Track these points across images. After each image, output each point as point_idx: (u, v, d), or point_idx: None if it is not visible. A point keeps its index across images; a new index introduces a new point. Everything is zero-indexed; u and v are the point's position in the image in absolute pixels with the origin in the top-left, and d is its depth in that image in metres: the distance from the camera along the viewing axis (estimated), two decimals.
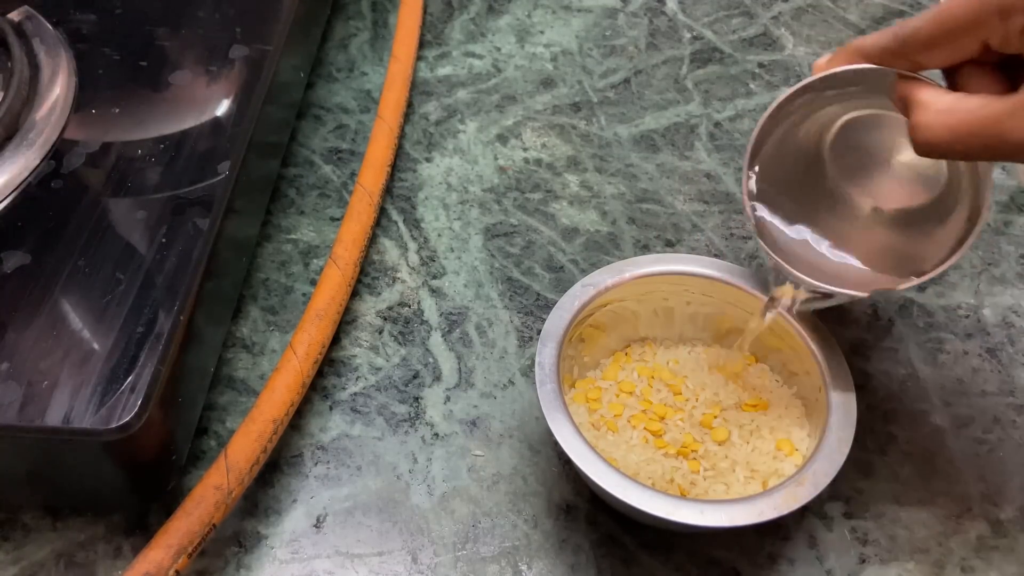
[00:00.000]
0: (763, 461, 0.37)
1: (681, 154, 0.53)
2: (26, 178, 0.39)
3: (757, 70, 0.57)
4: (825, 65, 0.33)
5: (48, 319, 0.34)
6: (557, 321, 0.38)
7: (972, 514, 0.39)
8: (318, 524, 0.39)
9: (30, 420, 0.32)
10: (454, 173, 0.52)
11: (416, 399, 0.43)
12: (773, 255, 0.36)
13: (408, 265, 0.48)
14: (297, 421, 0.42)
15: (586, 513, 0.39)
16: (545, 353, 0.37)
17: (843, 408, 0.36)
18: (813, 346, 0.37)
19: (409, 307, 0.46)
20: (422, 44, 0.59)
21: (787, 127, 0.36)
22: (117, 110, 0.42)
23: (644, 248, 0.48)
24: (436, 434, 0.41)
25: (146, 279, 0.35)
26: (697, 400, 0.39)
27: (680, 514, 0.32)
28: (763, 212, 0.37)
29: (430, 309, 0.46)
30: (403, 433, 0.42)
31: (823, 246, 0.37)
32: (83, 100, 0.42)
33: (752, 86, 0.56)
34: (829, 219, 0.38)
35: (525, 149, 0.53)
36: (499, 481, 0.40)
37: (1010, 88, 0.28)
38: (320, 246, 0.48)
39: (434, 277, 0.47)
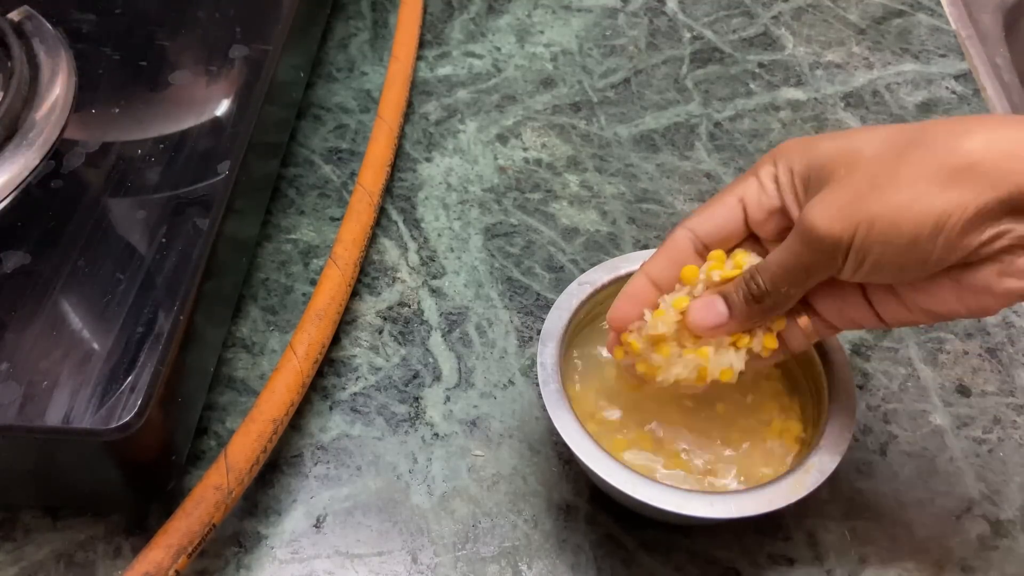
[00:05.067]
0: (762, 458, 0.37)
1: (681, 154, 0.53)
2: (26, 178, 0.39)
3: (757, 70, 0.57)
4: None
5: (48, 319, 0.34)
6: (556, 321, 0.38)
7: (972, 514, 0.39)
8: (318, 524, 0.39)
9: (30, 420, 0.32)
10: (454, 173, 0.52)
11: (416, 399, 0.43)
12: None
13: (408, 265, 0.48)
14: (297, 421, 0.42)
15: (586, 513, 0.39)
16: (546, 353, 0.37)
17: (843, 398, 0.36)
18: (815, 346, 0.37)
19: (409, 307, 0.46)
20: (422, 44, 0.59)
21: None
22: (117, 110, 0.42)
23: (644, 248, 0.48)
24: (436, 434, 0.41)
25: (146, 279, 0.35)
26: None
27: (691, 507, 0.33)
28: None
29: (430, 309, 0.46)
30: (403, 433, 0.42)
31: None
32: (83, 100, 0.42)
33: (752, 86, 0.56)
34: None
35: (525, 149, 0.53)
36: (499, 481, 0.40)
37: None
38: (320, 246, 0.48)
39: (434, 277, 0.47)
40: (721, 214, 0.32)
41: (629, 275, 0.40)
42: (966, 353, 0.44)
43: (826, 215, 0.28)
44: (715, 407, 0.38)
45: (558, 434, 0.35)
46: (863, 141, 0.29)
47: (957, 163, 0.26)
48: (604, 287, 0.40)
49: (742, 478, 0.36)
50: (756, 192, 0.31)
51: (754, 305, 0.32)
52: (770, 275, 0.31)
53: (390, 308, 0.46)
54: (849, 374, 0.37)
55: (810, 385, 0.38)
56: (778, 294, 0.31)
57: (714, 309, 0.32)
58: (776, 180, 0.31)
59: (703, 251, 0.33)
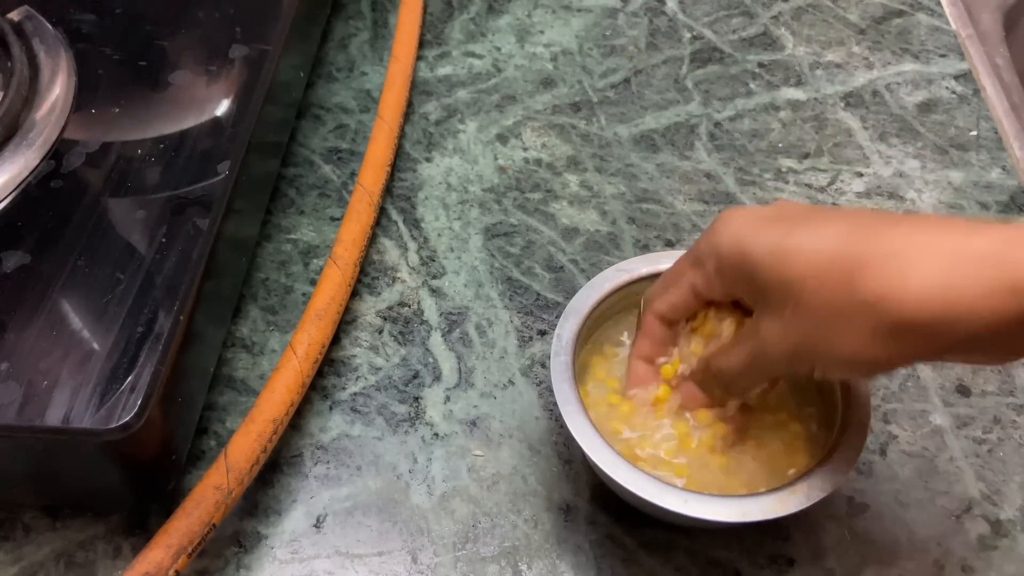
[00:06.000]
0: (773, 456, 0.37)
1: (681, 154, 0.53)
2: (26, 178, 0.39)
3: (757, 70, 0.57)
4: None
5: (48, 319, 0.34)
6: (584, 298, 0.38)
7: (972, 514, 0.39)
8: (318, 524, 0.39)
9: (30, 420, 0.32)
10: (454, 173, 0.52)
11: (416, 399, 0.43)
12: None
13: (408, 265, 0.48)
14: (297, 421, 0.42)
15: (586, 513, 0.39)
16: (566, 327, 0.37)
17: (858, 408, 0.36)
18: None
19: (409, 307, 0.46)
20: (422, 44, 0.59)
21: None
22: (117, 110, 0.42)
23: (644, 248, 0.48)
24: (436, 434, 0.41)
25: (146, 279, 0.35)
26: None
27: (689, 507, 0.33)
28: None
29: (430, 309, 0.46)
30: (403, 433, 0.42)
31: None
32: (83, 100, 0.42)
33: (752, 86, 0.56)
34: None
35: (525, 149, 0.53)
36: (499, 481, 0.40)
37: None
38: (320, 246, 0.48)
39: (434, 277, 0.47)
40: (678, 300, 0.35)
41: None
42: None
43: (780, 346, 0.31)
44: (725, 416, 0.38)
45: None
46: (801, 277, 0.29)
47: (892, 326, 0.27)
48: (642, 278, 0.39)
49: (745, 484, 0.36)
50: (705, 286, 0.34)
51: (727, 393, 0.35)
52: (732, 374, 0.34)
53: (390, 308, 0.46)
54: (867, 395, 0.36)
55: (824, 397, 0.38)
56: (744, 385, 0.35)
57: (698, 397, 0.36)
58: (723, 281, 0.33)
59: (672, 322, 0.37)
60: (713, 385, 0.35)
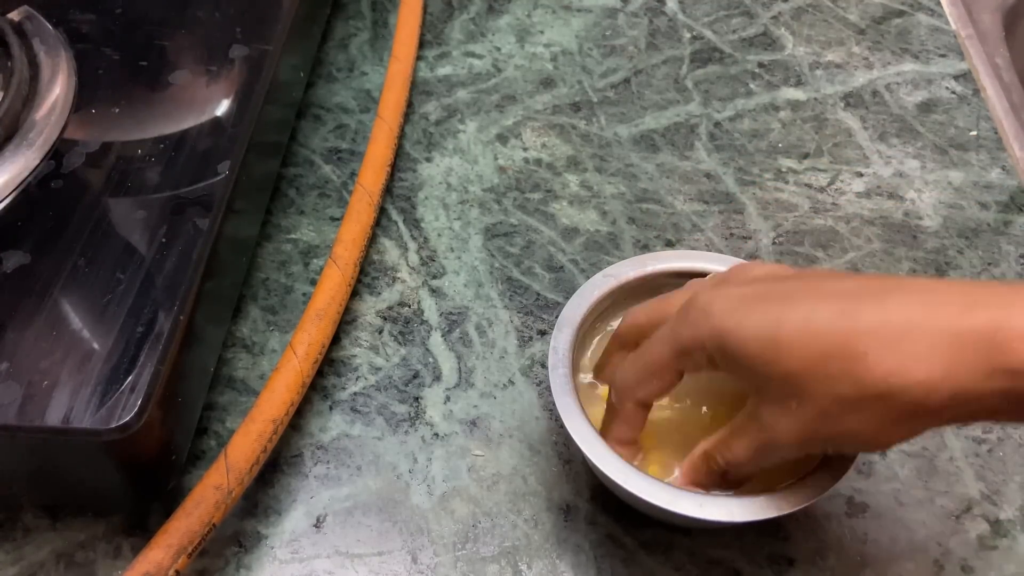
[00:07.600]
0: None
1: (681, 154, 0.53)
2: (26, 178, 0.39)
3: (757, 70, 0.57)
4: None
5: (48, 319, 0.34)
6: (575, 308, 0.38)
7: (972, 514, 0.39)
8: (318, 524, 0.39)
9: (30, 420, 0.32)
10: (454, 173, 0.52)
11: (416, 399, 0.43)
12: None
13: (408, 265, 0.48)
14: (297, 421, 0.42)
15: (586, 513, 0.39)
16: (560, 338, 0.37)
17: None
18: None
19: (409, 307, 0.46)
20: (422, 44, 0.59)
21: None
22: (117, 110, 0.42)
23: (644, 248, 0.48)
24: (436, 434, 0.42)
25: (146, 279, 0.35)
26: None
27: (690, 508, 0.33)
28: None
29: (430, 309, 0.46)
30: (403, 433, 0.42)
31: None
32: (83, 100, 0.42)
33: (752, 86, 0.56)
34: None
35: (525, 149, 0.53)
36: (499, 481, 0.40)
37: None
38: (320, 246, 0.48)
39: (434, 277, 0.47)
40: (666, 387, 0.34)
41: (657, 273, 0.40)
42: None
43: (790, 436, 0.31)
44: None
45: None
46: (802, 370, 0.29)
47: (901, 413, 0.28)
48: (629, 283, 0.39)
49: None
50: (696, 370, 0.33)
51: (724, 482, 0.34)
52: (738, 464, 0.33)
53: (390, 308, 0.46)
54: None
55: None
56: (751, 472, 0.34)
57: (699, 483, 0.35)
58: (718, 369, 0.32)
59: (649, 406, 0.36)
60: (715, 475, 0.34)
